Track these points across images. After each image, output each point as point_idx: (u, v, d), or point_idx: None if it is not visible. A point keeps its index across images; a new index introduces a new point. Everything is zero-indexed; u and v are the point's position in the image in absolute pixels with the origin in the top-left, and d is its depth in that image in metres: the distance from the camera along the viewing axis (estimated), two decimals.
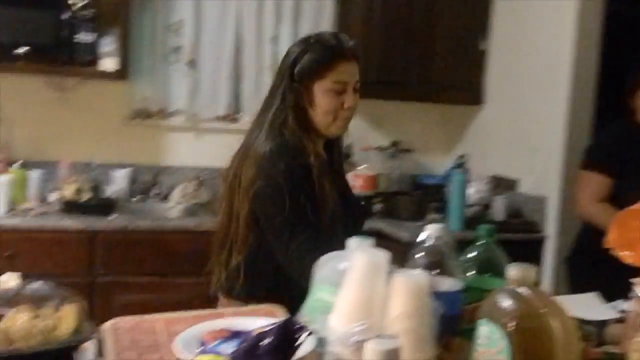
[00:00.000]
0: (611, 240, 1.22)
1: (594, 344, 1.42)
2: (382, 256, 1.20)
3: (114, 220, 3.22)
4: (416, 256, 1.32)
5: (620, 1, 3.65)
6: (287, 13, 3.89)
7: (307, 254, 1.68)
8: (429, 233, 1.33)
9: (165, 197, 3.74)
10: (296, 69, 1.92)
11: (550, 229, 3.50)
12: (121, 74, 3.50)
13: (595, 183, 2.88)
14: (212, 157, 3.90)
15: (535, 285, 1.16)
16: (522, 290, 1.14)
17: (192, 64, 3.78)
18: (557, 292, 2.73)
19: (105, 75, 3.50)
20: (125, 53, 3.50)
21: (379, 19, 3.79)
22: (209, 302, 3.23)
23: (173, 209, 3.62)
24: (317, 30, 3.92)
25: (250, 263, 1.93)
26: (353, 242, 1.29)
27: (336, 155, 2.07)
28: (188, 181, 3.74)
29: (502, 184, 3.81)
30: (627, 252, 1.22)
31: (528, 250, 3.46)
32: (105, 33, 3.46)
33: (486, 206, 3.71)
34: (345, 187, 2.12)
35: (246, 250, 1.93)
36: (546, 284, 3.40)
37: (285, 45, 3.89)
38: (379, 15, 3.79)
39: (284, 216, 1.82)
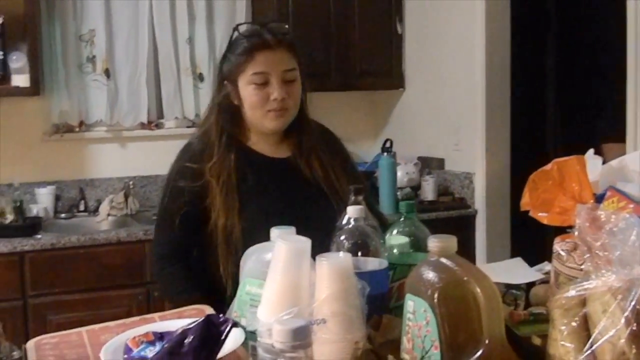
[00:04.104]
0: (525, 202, 1.24)
1: (522, 307, 1.46)
2: (304, 242, 1.20)
3: (41, 240, 3.12)
4: (339, 239, 1.32)
5: None
6: (200, 13, 3.84)
7: (160, 267, 1.89)
8: (349, 215, 1.34)
9: (93, 211, 3.66)
10: (223, 66, 1.89)
11: (479, 203, 3.57)
12: (34, 89, 3.40)
13: None
14: (138, 166, 3.85)
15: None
16: (444, 260, 1.15)
17: (108, 72, 3.70)
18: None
19: (19, 92, 3.40)
20: (36, 67, 3.40)
21: (294, 12, 3.78)
22: (149, 312, 3.19)
23: (103, 222, 3.55)
24: (231, 30, 3.89)
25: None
26: (274, 231, 1.29)
27: (306, 152, 1.93)
28: (115, 192, 3.67)
29: (429, 164, 3.86)
30: (542, 214, 1.25)
31: (461, 225, 3.52)
32: (15, 48, 3.37)
33: (416, 187, 3.76)
34: (305, 184, 1.91)
35: None
36: (480, 257, 3.47)
37: (201, 45, 3.86)
38: (294, 9, 3.78)
39: (159, 214, 1.95)
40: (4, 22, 3.31)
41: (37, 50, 3.43)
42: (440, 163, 3.84)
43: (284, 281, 1.18)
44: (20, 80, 3.35)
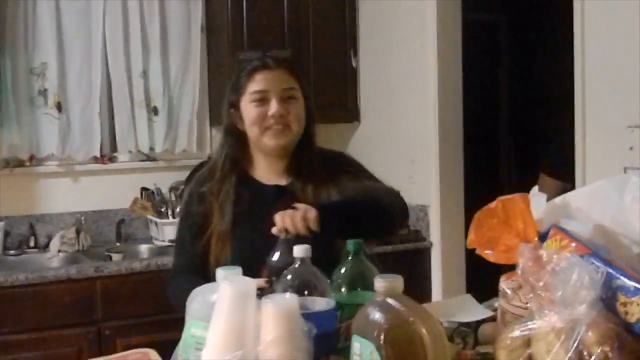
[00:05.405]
0: (471, 240, 1.24)
1: (472, 345, 1.45)
2: (249, 284, 1.18)
3: None
4: (285, 279, 1.30)
5: (472, 8, 3.86)
6: (155, 46, 3.81)
7: (171, 280, 1.92)
8: (295, 255, 1.32)
9: (44, 247, 3.57)
10: (229, 94, 1.97)
11: (434, 236, 3.59)
12: None
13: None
14: (92, 201, 3.78)
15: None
16: (390, 301, 1.14)
17: (60, 106, 3.65)
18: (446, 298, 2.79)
19: None
20: None
21: (249, 46, 3.77)
22: (100, 351, 3.11)
23: (53, 259, 3.46)
24: (186, 63, 3.89)
25: None
26: (220, 272, 1.27)
27: (303, 178, 1.95)
28: (67, 228, 3.60)
29: None
30: (488, 251, 1.25)
31: (416, 258, 3.52)
32: None
33: None
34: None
35: None
36: (436, 289, 3.47)
37: (155, 79, 3.83)
38: (249, 43, 3.78)
39: (175, 240, 2.06)
40: None
41: None
42: None
43: (228, 324, 1.16)
44: None
